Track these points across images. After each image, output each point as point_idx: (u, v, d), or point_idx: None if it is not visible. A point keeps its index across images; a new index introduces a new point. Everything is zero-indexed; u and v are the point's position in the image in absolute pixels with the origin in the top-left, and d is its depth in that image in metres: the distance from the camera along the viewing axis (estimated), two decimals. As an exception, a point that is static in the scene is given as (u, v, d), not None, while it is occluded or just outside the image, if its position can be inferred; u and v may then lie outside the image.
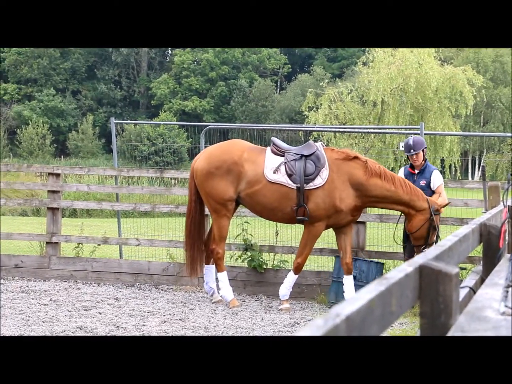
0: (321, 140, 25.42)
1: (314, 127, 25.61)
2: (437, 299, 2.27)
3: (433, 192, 7.89)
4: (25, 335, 6.49)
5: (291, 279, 7.95)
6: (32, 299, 8.20)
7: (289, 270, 8.14)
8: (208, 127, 10.98)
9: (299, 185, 7.65)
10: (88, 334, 6.55)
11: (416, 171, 7.97)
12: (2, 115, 51.01)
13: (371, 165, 7.67)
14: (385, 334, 6.24)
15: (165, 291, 8.91)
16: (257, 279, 8.88)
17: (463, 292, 3.25)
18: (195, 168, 8.04)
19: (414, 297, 2.24)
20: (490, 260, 3.87)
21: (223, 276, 8.03)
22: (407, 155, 8.00)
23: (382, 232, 10.12)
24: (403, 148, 8.41)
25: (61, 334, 6.53)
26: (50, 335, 6.50)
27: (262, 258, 8.92)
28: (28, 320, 7.10)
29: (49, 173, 9.73)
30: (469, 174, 41.84)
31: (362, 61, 35.78)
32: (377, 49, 33.40)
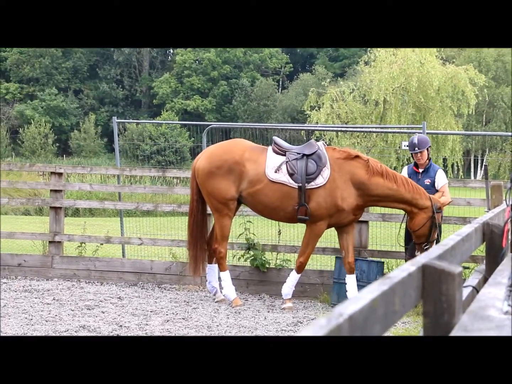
0: (323, 140, 25.41)
1: (316, 127, 25.60)
2: (440, 298, 2.27)
3: (437, 191, 7.89)
4: (28, 334, 6.50)
5: (293, 278, 7.96)
6: (35, 298, 8.22)
7: (292, 269, 8.15)
8: (210, 126, 10.99)
9: (300, 184, 7.65)
10: (91, 333, 6.56)
11: (421, 170, 7.97)
12: (4, 114, 51.06)
13: (373, 164, 7.67)
14: (388, 333, 6.24)
15: (168, 290, 8.92)
16: (259, 278, 8.89)
17: (466, 291, 3.25)
18: (196, 167, 8.05)
19: (417, 296, 2.24)
20: (493, 259, 3.87)
21: (226, 275, 8.04)
22: (412, 154, 7.99)
23: (384, 231, 10.13)
24: (405, 147, 8.40)
25: (64, 333, 6.54)
26: (53, 334, 6.51)
27: (264, 257, 8.92)
28: (31, 319, 7.11)
29: (52, 172, 9.74)
30: (472, 173, 41.78)
31: (364, 60, 35.73)
32: (379, 49, 33.36)
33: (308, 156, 7.74)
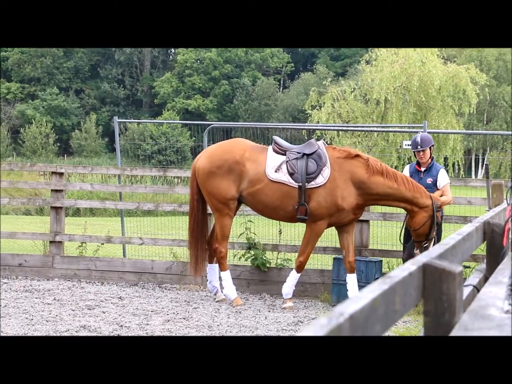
0: (324, 139, 25.40)
1: (317, 126, 25.59)
2: (440, 297, 2.27)
3: (438, 190, 7.89)
4: (29, 334, 6.50)
5: (293, 277, 7.96)
6: (36, 298, 8.22)
7: (293, 269, 8.14)
8: (211, 125, 10.99)
9: (300, 183, 7.65)
10: (92, 333, 6.56)
11: (423, 169, 7.96)
12: (5, 114, 51.09)
13: (373, 163, 7.66)
14: (389, 332, 6.19)
15: (169, 290, 8.92)
16: (260, 278, 8.89)
17: (466, 291, 3.24)
18: (196, 167, 8.05)
19: (417, 296, 2.24)
20: (493, 258, 3.86)
21: (226, 275, 8.04)
22: (414, 152, 7.98)
23: (385, 230, 10.13)
24: (406, 147, 8.39)
25: (65, 333, 6.54)
26: (54, 334, 6.51)
27: (265, 256, 8.92)
28: (32, 319, 7.11)
29: (53, 172, 9.75)
30: (473, 172, 41.77)
31: (365, 59, 35.72)
32: (380, 48, 33.34)
33: (308, 155, 7.74)
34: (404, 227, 7.94)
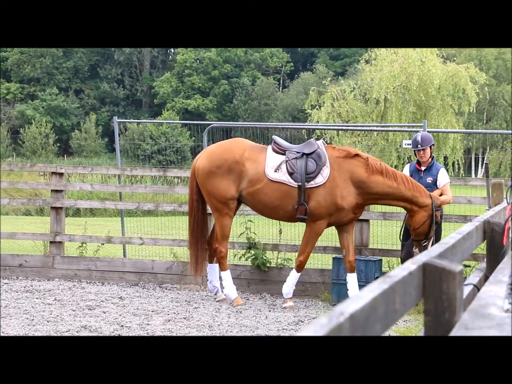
0: (324, 138, 25.39)
1: (317, 125, 25.58)
2: (441, 296, 2.27)
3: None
4: (29, 334, 6.51)
5: (293, 277, 7.96)
6: (37, 298, 8.22)
7: (293, 268, 8.15)
8: (211, 125, 10.99)
9: (300, 183, 7.65)
10: (93, 333, 6.57)
11: (423, 168, 7.96)
12: (5, 114, 51.08)
13: (372, 162, 7.66)
14: (389, 331, 6.18)
15: (169, 290, 8.93)
16: (260, 278, 8.89)
17: (467, 290, 3.24)
18: (196, 167, 8.05)
19: (418, 295, 2.24)
20: (493, 258, 3.86)
21: (227, 274, 8.04)
22: (414, 151, 7.99)
23: (385, 229, 10.13)
24: (406, 146, 8.39)
25: (66, 334, 6.54)
26: (55, 334, 6.51)
27: (265, 256, 8.92)
28: (33, 319, 7.12)
29: (53, 173, 9.75)
30: (472, 172, 41.77)
31: (365, 59, 35.70)
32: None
33: (307, 155, 7.74)
34: (403, 226, 7.94)
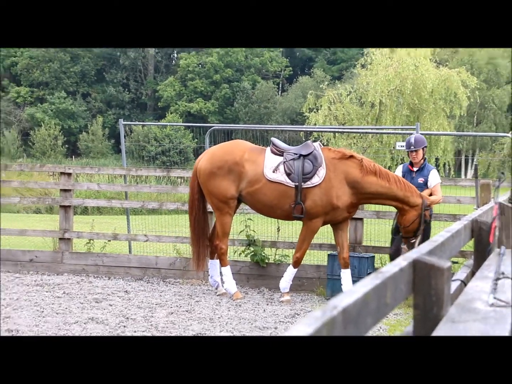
0: (321, 140, 25.39)
1: (314, 128, 25.57)
2: (429, 292, 2.29)
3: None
4: (39, 325, 6.54)
5: (290, 272, 7.98)
6: (46, 292, 8.25)
7: (290, 264, 8.17)
8: (213, 128, 10.99)
9: (297, 183, 7.67)
10: (99, 325, 6.60)
11: (415, 169, 7.99)
12: (16, 117, 51.03)
13: (366, 163, 7.68)
14: (380, 323, 6.19)
15: (172, 284, 8.95)
16: (259, 273, 8.91)
17: (454, 285, 3.27)
18: (198, 168, 8.07)
19: (408, 290, 2.26)
20: (480, 255, 3.89)
21: (227, 270, 8.06)
22: (407, 152, 8.02)
23: (378, 227, 10.15)
24: (400, 148, 8.41)
25: (74, 325, 6.57)
26: (64, 326, 6.54)
27: (264, 253, 8.95)
28: (43, 311, 7.15)
29: (61, 173, 9.77)
30: (462, 173, 41.74)
31: (361, 63, 35.63)
32: (375, 52, 33.25)
33: (304, 156, 7.76)
34: (395, 223, 7.97)
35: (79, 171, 11.22)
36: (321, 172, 7.67)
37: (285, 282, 7.99)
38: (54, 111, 52.84)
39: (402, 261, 2.23)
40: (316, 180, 7.66)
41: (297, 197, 7.67)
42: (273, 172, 7.73)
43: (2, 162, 29.88)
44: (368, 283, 1.87)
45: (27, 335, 6.15)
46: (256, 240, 8.95)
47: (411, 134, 8.77)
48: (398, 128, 24.45)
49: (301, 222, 8.00)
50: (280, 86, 61.03)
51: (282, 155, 7.83)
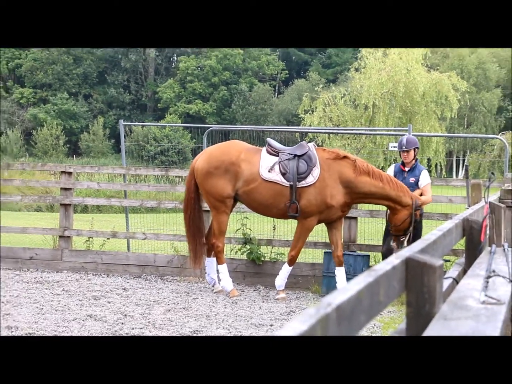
0: (315, 141, 25.39)
1: (310, 129, 25.57)
2: (422, 289, 2.26)
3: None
4: (39, 322, 6.49)
5: (285, 270, 7.96)
6: (46, 289, 8.20)
7: (285, 262, 8.14)
8: (211, 128, 10.96)
9: (292, 183, 7.64)
10: (98, 322, 6.55)
11: (407, 169, 8.00)
12: (19, 117, 50.97)
13: (360, 163, 7.67)
14: (374, 321, 6.17)
15: (170, 281, 8.91)
16: (255, 271, 8.88)
17: (446, 283, 3.23)
18: (195, 167, 8.04)
19: (400, 288, 2.23)
20: (472, 253, 3.86)
21: (223, 268, 8.03)
22: (399, 152, 8.04)
23: (372, 226, 10.13)
24: (392, 148, 8.40)
25: (73, 322, 6.53)
26: (63, 322, 6.50)
27: (260, 251, 8.91)
28: (42, 308, 7.10)
29: (62, 172, 9.73)
30: (454, 173, 41.80)
31: (355, 67, 35.69)
32: (368, 56, 33.32)
33: (299, 156, 7.73)
34: (386, 222, 7.99)
35: (79, 170, 11.18)
36: (316, 172, 7.64)
37: (281, 279, 7.96)
38: (57, 112, 52.80)
39: (395, 259, 2.20)
40: (310, 179, 7.63)
41: (292, 196, 7.64)
42: (269, 171, 7.71)
43: (5, 161, 29.82)
44: (361, 280, 1.83)
45: (26, 331, 6.10)
46: (252, 238, 8.92)
47: (404, 135, 8.76)
48: (391, 130, 24.44)
49: (296, 221, 7.97)
50: (277, 88, 61.07)
51: (277, 155, 7.80)
